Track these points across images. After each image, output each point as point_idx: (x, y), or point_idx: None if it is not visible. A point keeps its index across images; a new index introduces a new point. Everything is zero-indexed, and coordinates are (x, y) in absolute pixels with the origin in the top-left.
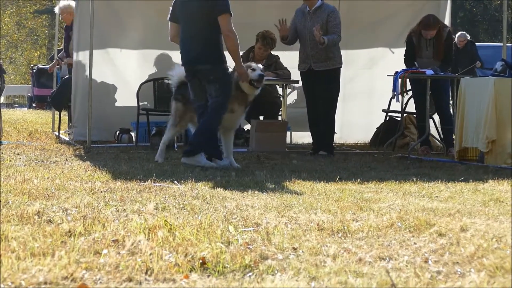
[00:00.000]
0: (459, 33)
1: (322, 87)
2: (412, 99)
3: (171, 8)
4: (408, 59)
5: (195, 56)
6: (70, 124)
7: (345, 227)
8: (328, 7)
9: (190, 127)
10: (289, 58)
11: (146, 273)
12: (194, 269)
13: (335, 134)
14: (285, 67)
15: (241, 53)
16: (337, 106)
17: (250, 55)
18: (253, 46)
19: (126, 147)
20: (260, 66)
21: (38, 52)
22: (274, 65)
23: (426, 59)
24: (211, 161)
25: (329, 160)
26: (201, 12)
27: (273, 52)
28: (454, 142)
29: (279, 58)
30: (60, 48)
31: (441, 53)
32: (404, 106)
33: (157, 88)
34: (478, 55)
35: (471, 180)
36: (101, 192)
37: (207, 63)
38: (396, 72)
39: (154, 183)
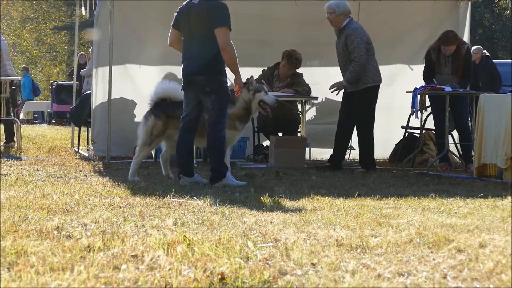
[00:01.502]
0: (473, 48)
1: (354, 107)
2: (431, 116)
3: (175, 14)
4: (427, 75)
5: (193, 68)
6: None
7: (364, 243)
8: (349, 27)
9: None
10: (311, 75)
11: None
12: (213, 284)
13: (353, 149)
14: (307, 84)
15: (265, 67)
16: (372, 124)
17: (275, 71)
18: (279, 62)
19: (145, 163)
20: (270, 94)
21: (58, 68)
22: (297, 83)
23: (445, 75)
24: (179, 178)
25: (348, 176)
26: (201, 24)
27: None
28: (473, 158)
29: (303, 76)
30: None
31: (460, 70)
32: (423, 122)
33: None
34: (496, 69)
35: (490, 197)
36: (120, 207)
37: (204, 74)
38: (415, 89)
39: (173, 198)
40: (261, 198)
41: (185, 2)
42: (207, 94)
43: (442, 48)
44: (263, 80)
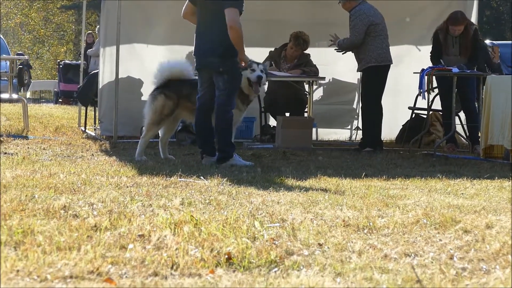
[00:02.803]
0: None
1: (362, 86)
2: (438, 97)
3: None
4: (434, 56)
5: (206, 49)
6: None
7: (371, 224)
8: (355, 9)
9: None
10: (319, 56)
11: (172, 268)
12: (220, 264)
13: (359, 129)
14: (314, 65)
15: (272, 48)
16: (377, 104)
17: (282, 52)
18: (286, 43)
19: (152, 142)
20: (261, 66)
21: (65, 48)
22: (305, 63)
23: (452, 56)
24: (202, 158)
25: (355, 156)
26: (214, 4)
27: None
28: (479, 139)
29: (310, 56)
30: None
31: (468, 50)
32: (430, 103)
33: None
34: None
35: (496, 178)
36: (127, 187)
37: (217, 56)
38: (423, 70)
39: (180, 178)
40: (268, 178)
41: None
42: (219, 74)
43: (450, 28)
44: (272, 61)
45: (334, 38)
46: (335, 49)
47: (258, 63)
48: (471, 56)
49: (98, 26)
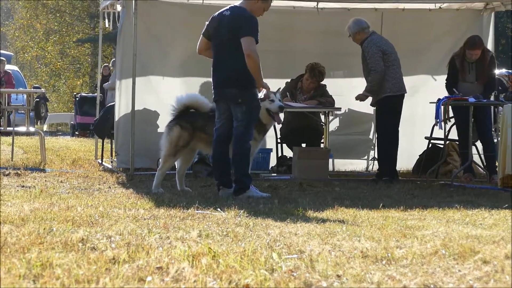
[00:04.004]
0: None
1: (376, 117)
2: (454, 126)
3: (207, 23)
4: (450, 83)
5: (224, 80)
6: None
7: (389, 255)
8: (367, 40)
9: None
10: (335, 86)
11: None
12: None
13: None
14: (330, 95)
15: (287, 79)
16: (393, 134)
17: (298, 84)
18: (302, 74)
19: (169, 175)
20: (278, 96)
21: (81, 80)
22: (321, 94)
23: (469, 83)
24: (219, 189)
25: (372, 187)
26: (232, 36)
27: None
28: (497, 169)
29: (326, 87)
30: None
31: (485, 76)
32: (447, 133)
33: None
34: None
35: None
36: (145, 219)
37: (236, 87)
38: (439, 100)
39: (197, 210)
40: (285, 209)
41: (217, 13)
42: (238, 105)
43: (467, 52)
44: (287, 92)
45: (360, 97)
46: (370, 104)
47: (275, 93)
48: (487, 84)
49: (113, 59)
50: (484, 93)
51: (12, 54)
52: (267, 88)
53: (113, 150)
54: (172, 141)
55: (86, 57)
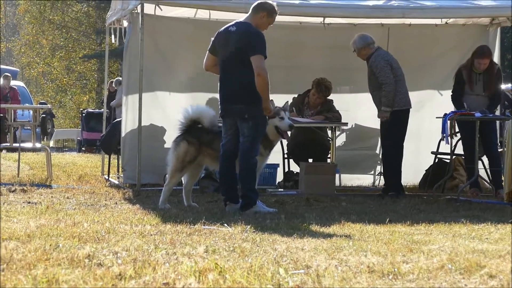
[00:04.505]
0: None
1: (381, 131)
2: (460, 141)
3: (212, 39)
4: (456, 95)
5: (231, 96)
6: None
7: (396, 269)
8: (373, 56)
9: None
10: (341, 101)
11: None
12: None
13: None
14: (337, 110)
15: (293, 94)
16: (398, 149)
17: (305, 99)
18: (309, 89)
19: (176, 190)
20: (287, 113)
21: (87, 96)
22: (328, 109)
23: (475, 95)
24: (226, 205)
25: (378, 202)
26: (238, 52)
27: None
28: (503, 183)
29: (333, 102)
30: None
31: (493, 87)
32: (453, 148)
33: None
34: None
35: None
36: (151, 235)
37: (242, 102)
38: (445, 114)
39: (204, 225)
40: (292, 224)
41: (223, 28)
42: (244, 120)
43: (476, 62)
44: (294, 108)
45: (382, 115)
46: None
47: (284, 110)
48: (493, 96)
49: (117, 78)
50: (489, 106)
51: (18, 70)
52: (271, 110)
53: (120, 166)
54: (179, 157)
55: (92, 73)
